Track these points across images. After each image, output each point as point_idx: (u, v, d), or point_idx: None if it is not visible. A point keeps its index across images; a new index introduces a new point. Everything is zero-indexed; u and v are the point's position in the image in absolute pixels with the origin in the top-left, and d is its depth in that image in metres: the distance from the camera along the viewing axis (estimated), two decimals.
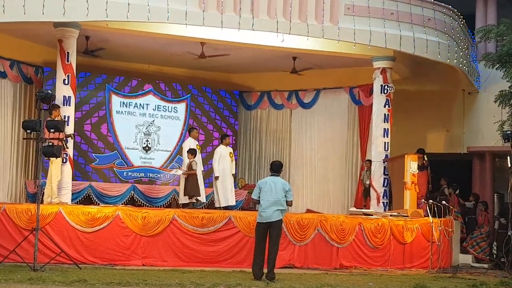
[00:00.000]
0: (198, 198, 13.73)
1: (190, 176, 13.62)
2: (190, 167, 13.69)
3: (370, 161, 15.15)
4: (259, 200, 10.23)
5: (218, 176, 13.80)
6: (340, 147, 16.97)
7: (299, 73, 16.37)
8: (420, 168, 14.23)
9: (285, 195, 10.14)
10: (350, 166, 16.78)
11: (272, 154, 17.72)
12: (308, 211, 16.13)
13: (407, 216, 13.24)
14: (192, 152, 13.78)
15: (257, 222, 10.19)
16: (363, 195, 15.51)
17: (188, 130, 14.66)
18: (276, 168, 10.41)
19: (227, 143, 14.28)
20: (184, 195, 13.68)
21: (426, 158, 14.87)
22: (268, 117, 18.04)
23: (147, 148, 16.11)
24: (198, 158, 13.87)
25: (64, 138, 12.06)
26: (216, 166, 13.87)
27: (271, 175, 10.40)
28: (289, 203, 10.27)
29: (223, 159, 13.95)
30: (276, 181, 10.20)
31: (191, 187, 13.57)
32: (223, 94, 17.37)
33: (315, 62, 16.01)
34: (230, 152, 14.22)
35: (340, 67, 16.44)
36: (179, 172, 13.98)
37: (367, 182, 15.12)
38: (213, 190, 14.16)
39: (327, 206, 16.83)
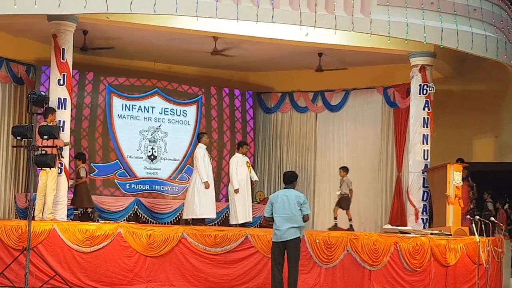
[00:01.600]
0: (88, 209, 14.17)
1: (79, 185, 13.93)
2: (78, 174, 13.98)
3: (346, 168, 15.38)
4: (272, 218, 10.26)
5: (238, 189, 13.85)
6: (372, 156, 16.94)
7: (327, 70, 16.37)
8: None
9: (300, 209, 10.14)
10: (384, 177, 16.75)
11: (294, 164, 17.73)
12: None
13: (450, 235, 13.18)
14: (80, 157, 14.21)
15: (272, 242, 10.24)
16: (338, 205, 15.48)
17: (198, 136, 14.70)
18: (289, 179, 10.42)
19: (243, 151, 14.33)
20: (71, 204, 13.94)
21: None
22: (290, 122, 18.06)
23: (152, 157, 16.20)
24: (209, 168, 13.88)
25: (62, 147, 12.18)
26: (234, 178, 13.92)
27: (284, 188, 10.41)
28: (305, 218, 10.30)
29: (240, 169, 13.99)
30: (289, 194, 10.23)
31: (79, 197, 13.85)
32: (239, 95, 17.42)
33: (343, 59, 16.01)
34: (247, 161, 14.27)
35: (373, 65, 16.43)
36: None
37: (346, 192, 15.21)
38: (229, 204, 14.22)
39: (358, 223, 16.74)
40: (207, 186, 13.59)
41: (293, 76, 17.60)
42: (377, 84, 16.92)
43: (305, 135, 17.91)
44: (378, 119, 16.95)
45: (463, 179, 14.72)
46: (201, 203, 13.60)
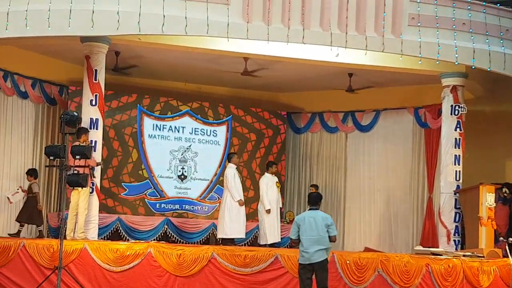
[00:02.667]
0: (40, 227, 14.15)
1: (31, 201, 13.87)
2: (30, 190, 13.92)
3: (317, 186, 15.75)
4: (298, 239, 10.21)
5: (269, 209, 13.89)
6: (403, 177, 16.86)
7: (356, 92, 16.38)
8: (503, 201, 14.08)
9: (327, 230, 10.11)
10: (415, 198, 16.65)
11: (324, 184, 17.68)
12: (367, 249, 16.00)
13: (483, 257, 13.05)
14: (32, 173, 14.09)
15: (299, 263, 10.20)
16: None
17: (228, 156, 14.74)
18: (315, 200, 10.38)
19: (273, 171, 14.37)
20: (19, 220, 13.89)
21: (507, 191, 14.69)
22: (320, 142, 18.05)
23: (182, 176, 16.27)
24: (240, 188, 13.92)
25: (94, 166, 12.30)
26: (265, 198, 13.96)
27: (309, 209, 10.38)
28: (332, 239, 10.21)
29: (270, 189, 14.02)
30: (316, 216, 10.17)
31: (29, 213, 13.78)
32: (269, 116, 17.44)
33: (374, 79, 16.00)
34: (277, 182, 14.30)
35: (403, 85, 16.40)
36: (17, 196, 14.03)
37: None
38: (258, 224, 14.23)
39: (388, 244, 16.70)
40: (241, 204, 13.63)
41: (323, 96, 17.60)
42: (408, 105, 16.86)
43: (335, 156, 17.87)
44: (409, 140, 16.88)
45: (507, 201, 14.61)
46: (231, 223, 13.64)
